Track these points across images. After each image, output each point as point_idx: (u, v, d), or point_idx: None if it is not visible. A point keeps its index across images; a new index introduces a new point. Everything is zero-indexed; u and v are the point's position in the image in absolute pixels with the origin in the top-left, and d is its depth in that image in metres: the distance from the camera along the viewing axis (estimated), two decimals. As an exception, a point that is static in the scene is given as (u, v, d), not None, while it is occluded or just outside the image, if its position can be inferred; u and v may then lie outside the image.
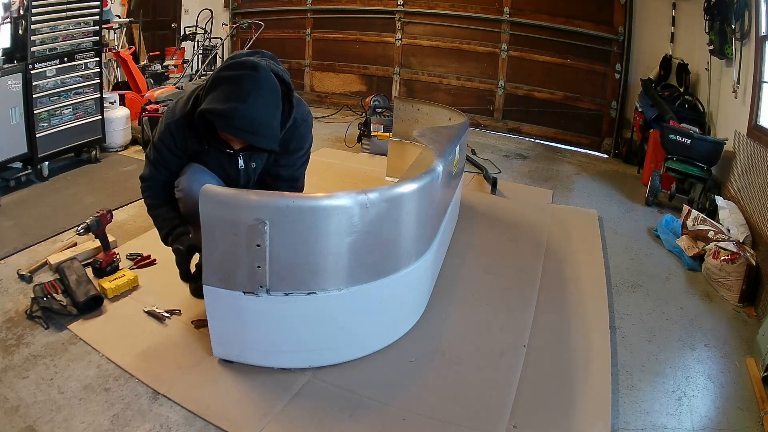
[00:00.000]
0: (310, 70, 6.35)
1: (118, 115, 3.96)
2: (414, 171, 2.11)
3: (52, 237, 2.64)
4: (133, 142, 4.16)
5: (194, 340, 1.92)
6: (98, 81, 3.66)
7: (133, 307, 2.10)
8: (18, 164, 3.25)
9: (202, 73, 5.42)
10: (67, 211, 2.93)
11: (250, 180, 1.96)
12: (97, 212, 2.29)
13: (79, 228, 2.26)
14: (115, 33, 4.97)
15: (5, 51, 3.19)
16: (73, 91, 3.48)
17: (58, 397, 1.63)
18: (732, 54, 3.48)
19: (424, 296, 2.19)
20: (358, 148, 4.46)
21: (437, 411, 1.68)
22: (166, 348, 1.88)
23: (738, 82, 3.41)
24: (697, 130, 3.72)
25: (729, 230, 2.87)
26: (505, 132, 5.47)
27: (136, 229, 2.78)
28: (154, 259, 2.44)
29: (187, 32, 5.85)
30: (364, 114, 4.88)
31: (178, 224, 1.91)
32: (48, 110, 3.32)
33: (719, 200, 3.14)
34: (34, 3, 3.09)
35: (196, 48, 5.89)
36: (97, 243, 2.36)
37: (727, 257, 2.55)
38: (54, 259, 2.34)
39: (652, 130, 3.99)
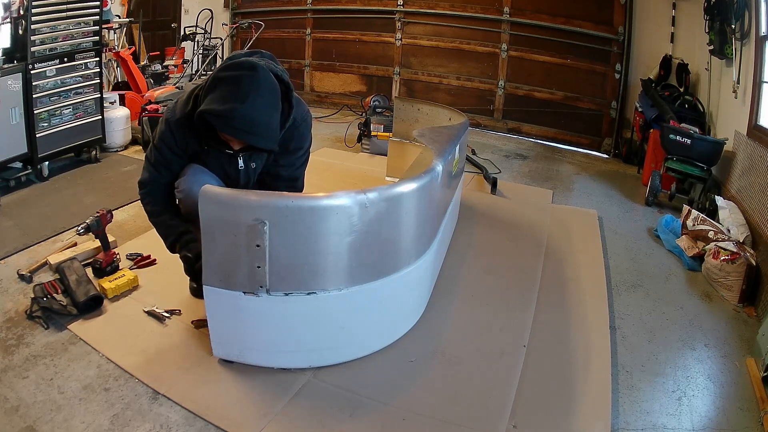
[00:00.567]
0: (310, 70, 6.35)
1: (118, 115, 3.96)
2: (414, 171, 2.11)
3: (52, 237, 2.64)
4: (133, 142, 4.16)
5: (194, 340, 1.92)
6: (98, 81, 3.66)
7: (133, 307, 2.10)
8: (18, 164, 3.25)
9: (202, 73, 5.42)
10: (67, 211, 2.93)
11: (249, 180, 1.96)
12: (97, 212, 2.29)
13: (79, 228, 2.26)
14: (115, 33, 4.97)
15: (5, 51, 3.20)
16: (73, 91, 3.48)
17: (58, 397, 1.63)
18: (732, 54, 3.48)
19: (424, 296, 2.19)
20: (358, 148, 4.46)
21: (437, 411, 1.68)
22: (166, 348, 1.88)
23: (738, 82, 3.41)
24: (697, 130, 3.72)
25: (729, 230, 2.87)
26: (505, 132, 5.47)
27: (136, 229, 2.78)
28: (154, 259, 2.44)
29: (187, 32, 5.85)
30: (364, 114, 4.88)
31: (184, 231, 1.91)
32: (48, 110, 3.32)
33: (719, 200, 3.14)
34: (34, 3, 3.09)
35: (196, 48, 5.89)
36: (97, 243, 2.36)
37: (727, 257, 2.55)
38: (54, 259, 2.34)
39: (652, 130, 3.99)
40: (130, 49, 4.89)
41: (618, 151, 4.94)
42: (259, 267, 1.63)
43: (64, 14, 3.32)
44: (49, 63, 3.28)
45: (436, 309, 2.21)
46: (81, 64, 3.51)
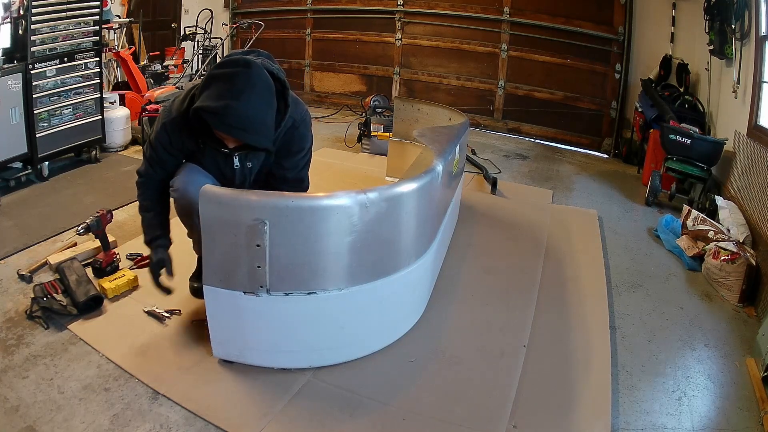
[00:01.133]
0: (310, 70, 6.35)
1: (118, 115, 3.96)
2: (414, 171, 2.11)
3: (52, 237, 2.64)
4: (133, 142, 4.16)
5: (194, 340, 1.92)
6: (98, 81, 3.66)
7: (133, 307, 2.10)
8: (18, 164, 3.25)
9: (202, 73, 5.42)
10: (67, 211, 2.93)
11: (246, 180, 1.95)
12: (97, 212, 2.29)
13: (79, 228, 2.26)
14: (115, 33, 4.97)
15: (5, 51, 3.19)
16: (73, 91, 3.48)
17: (58, 397, 1.63)
18: (732, 54, 3.48)
19: (424, 296, 2.19)
20: (358, 148, 4.46)
21: (437, 411, 1.68)
22: (166, 348, 1.88)
23: (738, 82, 3.41)
24: (697, 130, 3.72)
25: (729, 230, 2.87)
26: (505, 132, 5.47)
27: (136, 229, 2.78)
28: (154, 259, 2.44)
29: (187, 32, 5.85)
30: (364, 114, 4.88)
31: (159, 235, 1.92)
32: (48, 110, 3.32)
33: (719, 200, 3.14)
34: (34, 3, 3.09)
35: (196, 48, 5.89)
36: (97, 243, 2.36)
37: (727, 257, 2.55)
38: (54, 259, 2.34)
39: (652, 130, 3.99)
40: (130, 49, 4.88)
41: (618, 151, 4.94)
42: (259, 267, 1.63)
43: (64, 14, 3.31)
44: (49, 63, 3.27)
45: (436, 309, 2.21)
46: (81, 64, 3.51)
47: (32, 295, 2.05)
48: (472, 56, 5.46)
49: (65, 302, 2.05)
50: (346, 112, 5.75)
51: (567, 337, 2.10)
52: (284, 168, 1.94)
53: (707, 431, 1.71)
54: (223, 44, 6.10)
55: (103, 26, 3.73)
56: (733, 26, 3.42)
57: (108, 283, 2.15)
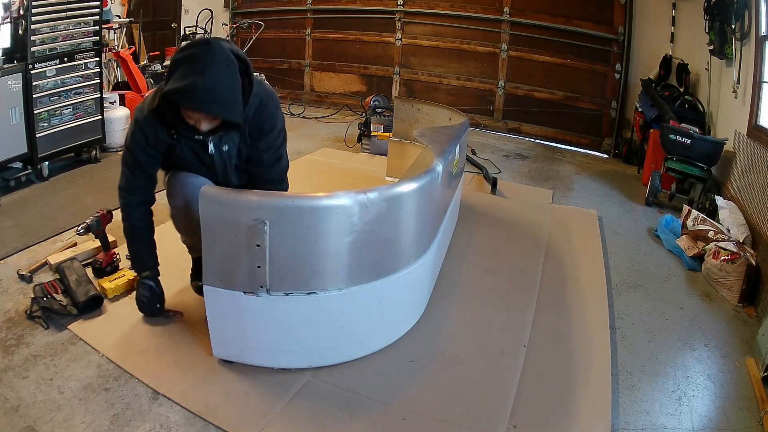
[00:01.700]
0: (310, 70, 6.35)
1: (118, 115, 3.96)
2: (414, 171, 2.11)
3: (52, 237, 2.64)
4: (133, 142, 4.16)
5: (194, 340, 1.92)
6: (98, 81, 3.66)
7: (133, 307, 2.10)
8: (18, 164, 3.25)
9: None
10: (67, 211, 2.93)
11: (226, 166, 1.93)
12: (97, 212, 2.29)
13: (79, 228, 2.26)
14: (115, 33, 4.97)
15: (5, 51, 3.19)
16: (73, 91, 3.48)
17: (58, 397, 1.63)
18: (732, 54, 3.48)
19: (424, 296, 2.19)
20: (358, 148, 4.46)
21: (437, 411, 1.68)
22: (166, 348, 1.88)
23: (738, 82, 3.41)
24: (697, 130, 3.72)
25: (729, 230, 2.87)
26: (505, 132, 5.47)
27: (136, 229, 2.78)
28: (154, 259, 2.44)
29: (187, 32, 5.85)
30: (364, 114, 4.88)
31: (151, 267, 2.04)
32: (48, 110, 3.32)
33: (719, 200, 3.14)
34: (34, 3, 3.09)
35: (196, 48, 5.87)
36: (97, 243, 2.36)
37: (727, 257, 2.55)
38: (54, 259, 2.34)
39: (652, 130, 3.99)
40: (130, 49, 4.88)
41: (618, 151, 4.95)
42: (259, 267, 1.63)
43: (64, 14, 3.32)
44: (49, 63, 3.28)
45: (436, 309, 2.21)
46: (81, 64, 3.51)
47: (32, 295, 2.05)
48: (472, 56, 5.47)
49: (65, 302, 2.05)
50: (346, 112, 5.75)
51: (567, 337, 2.10)
52: (260, 150, 1.91)
53: (707, 431, 1.71)
54: (223, 44, 6.08)
55: (103, 26, 3.73)
56: (733, 26, 3.42)
57: (108, 283, 2.15)
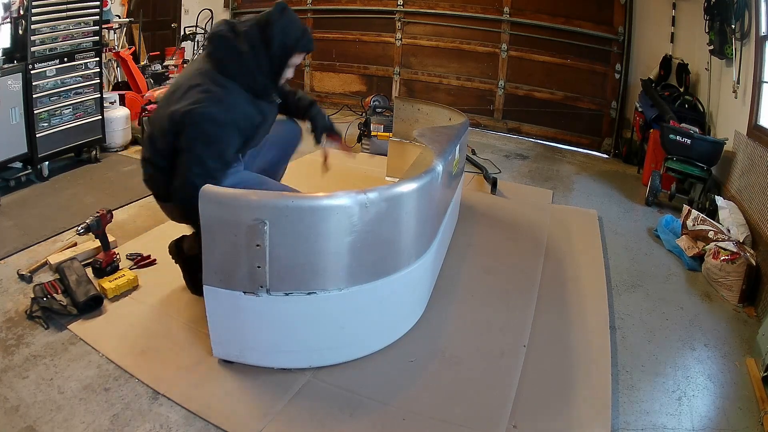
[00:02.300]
0: (310, 70, 6.35)
1: (118, 115, 3.96)
2: (414, 171, 2.11)
3: (52, 237, 2.64)
4: (133, 142, 4.16)
5: (194, 340, 1.92)
6: (98, 81, 3.66)
7: (133, 307, 2.10)
8: (18, 164, 3.25)
9: (202, 73, 5.40)
10: (67, 211, 2.93)
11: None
12: (97, 212, 2.29)
13: (79, 228, 2.26)
14: (115, 33, 4.97)
15: (5, 51, 3.19)
16: (73, 91, 3.48)
17: (58, 397, 1.63)
18: (732, 54, 3.48)
19: (424, 296, 2.19)
20: (358, 148, 4.46)
21: (437, 411, 1.68)
22: (166, 348, 1.88)
23: (738, 82, 3.41)
24: (697, 130, 3.72)
25: (729, 230, 2.87)
26: (505, 132, 5.47)
27: (136, 229, 2.78)
28: (154, 259, 2.44)
29: (187, 32, 5.85)
30: (364, 114, 4.88)
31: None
32: (48, 110, 3.32)
33: (719, 200, 3.14)
34: (34, 3, 3.09)
35: (196, 48, 5.89)
36: (97, 243, 2.36)
37: (727, 257, 2.55)
38: (54, 259, 2.34)
39: (652, 130, 3.99)
40: (130, 49, 4.88)
41: (618, 151, 4.94)
42: (259, 267, 1.63)
43: (64, 14, 3.31)
44: (49, 63, 3.27)
45: (436, 309, 2.21)
46: (81, 64, 3.51)
47: (32, 295, 2.05)
48: (472, 56, 5.46)
49: (65, 302, 2.05)
50: (346, 112, 5.75)
51: (567, 337, 2.11)
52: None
53: (707, 431, 1.71)
54: (223, 44, 6.08)
55: (103, 26, 3.73)
56: (733, 26, 3.42)
57: (108, 283, 2.15)
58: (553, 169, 4.43)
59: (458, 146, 2.62)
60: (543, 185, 3.98)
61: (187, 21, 6.25)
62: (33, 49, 3.15)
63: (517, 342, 2.04)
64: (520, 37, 5.20)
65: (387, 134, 4.08)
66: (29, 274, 2.27)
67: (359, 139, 4.46)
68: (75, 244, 2.53)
